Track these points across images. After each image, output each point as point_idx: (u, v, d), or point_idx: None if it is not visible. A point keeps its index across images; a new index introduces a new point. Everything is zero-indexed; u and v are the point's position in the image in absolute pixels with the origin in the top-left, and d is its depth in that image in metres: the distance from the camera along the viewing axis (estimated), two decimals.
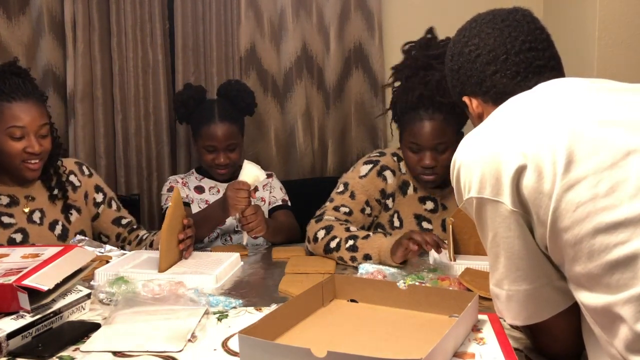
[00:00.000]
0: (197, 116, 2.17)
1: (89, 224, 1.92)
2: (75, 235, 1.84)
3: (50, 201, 1.83)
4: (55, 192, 1.84)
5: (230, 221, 2.06)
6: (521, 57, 1.08)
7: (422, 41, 1.83)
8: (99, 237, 1.95)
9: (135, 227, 1.96)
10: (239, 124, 2.18)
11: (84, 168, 1.94)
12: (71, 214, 1.87)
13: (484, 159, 0.94)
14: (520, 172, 0.89)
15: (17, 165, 1.71)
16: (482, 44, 1.11)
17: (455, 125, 1.78)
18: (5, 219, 1.75)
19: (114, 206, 1.96)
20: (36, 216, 1.80)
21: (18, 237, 1.75)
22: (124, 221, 1.95)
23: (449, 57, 1.20)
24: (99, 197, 1.93)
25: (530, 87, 1.05)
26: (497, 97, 1.10)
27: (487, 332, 1.07)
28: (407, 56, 1.84)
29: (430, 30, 1.84)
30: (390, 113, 1.93)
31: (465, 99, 1.18)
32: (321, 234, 1.73)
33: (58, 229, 1.83)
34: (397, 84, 1.87)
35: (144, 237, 1.89)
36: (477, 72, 1.12)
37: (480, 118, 1.15)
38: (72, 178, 1.90)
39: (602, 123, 0.90)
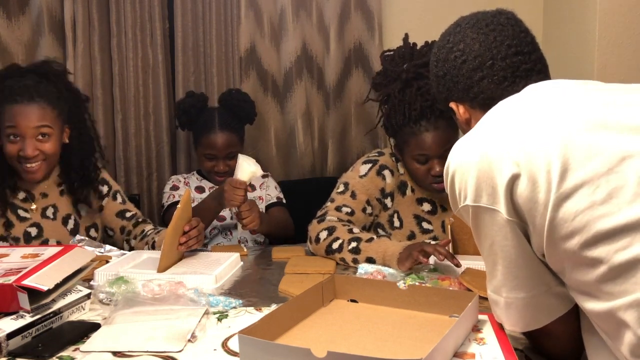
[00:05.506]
0: (199, 125, 2.20)
1: (98, 218, 1.94)
2: (85, 229, 1.88)
3: (61, 195, 1.86)
4: (70, 187, 1.86)
5: (229, 215, 2.14)
6: (507, 62, 1.07)
7: (401, 51, 1.82)
8: (104, 231, 1.96)
9: (140, 220, 1.96)
10: (239, 133, 2.21)
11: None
12: (82, 208, 1.90)
13: (478, 166, 0.93)
14: (513, 181, 0.88)
15: (16, 166, 1.73)
16: (467, 49, 1.10)
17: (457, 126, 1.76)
18: (22, 213, 1.80)
19: (119, 199, 1.96)
20: (49, 212, 1.84)
21: (33, 231, 1.79)
22: (128, 214, 1.96)
23: (433, 63, 1.19)
24: (104, 190, 1.94)
25: (518, 92, 1.04)
26: (485, 103, 1.09)
27: (487, 332, 1.07)
28: (389, 69, 1.81)
29: (406, 38, 1.83)
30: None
31: (452, 104, 1.16)
32: (323, 234, 1.72)
33: (70, 223, 1.86)
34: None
35: (148, 233, 1.88)
36: (463, 79, 1.11)
37: (468, 124, 1.14)
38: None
39: (595, 126, 0.88)
